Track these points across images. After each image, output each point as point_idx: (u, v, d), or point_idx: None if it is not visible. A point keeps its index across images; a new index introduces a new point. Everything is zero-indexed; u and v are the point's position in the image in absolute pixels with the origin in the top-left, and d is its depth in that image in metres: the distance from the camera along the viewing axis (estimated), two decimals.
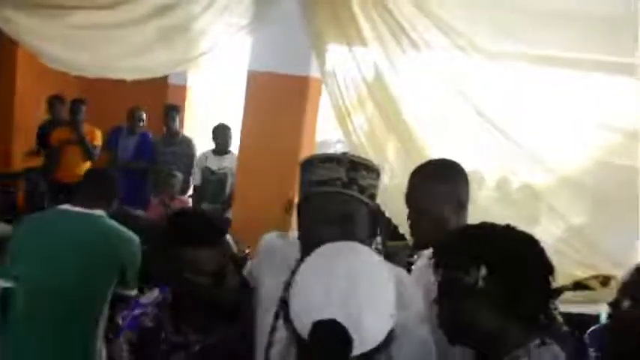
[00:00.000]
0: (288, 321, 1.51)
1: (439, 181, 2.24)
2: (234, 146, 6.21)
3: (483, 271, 1.58)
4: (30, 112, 7.60)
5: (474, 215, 2.29)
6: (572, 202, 3.84)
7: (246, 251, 3.63)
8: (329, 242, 1.69)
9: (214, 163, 6.48)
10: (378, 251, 1.88)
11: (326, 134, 5.96)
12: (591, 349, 3.16)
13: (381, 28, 4.08)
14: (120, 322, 2.12)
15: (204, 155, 6.61)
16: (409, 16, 3.99)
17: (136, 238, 3.11)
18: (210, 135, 6.62)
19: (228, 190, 6.36)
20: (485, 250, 1.61)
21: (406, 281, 1.82)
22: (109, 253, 3.02)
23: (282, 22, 4.55)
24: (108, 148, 7.00)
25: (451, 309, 1.64)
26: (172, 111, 6.95)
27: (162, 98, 7.65)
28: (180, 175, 6.23)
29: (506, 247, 1.62)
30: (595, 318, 3.81)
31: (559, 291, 1.74)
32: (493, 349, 1.62)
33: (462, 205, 2.24)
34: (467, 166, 2.43)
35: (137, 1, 4.94)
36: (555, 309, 2.27)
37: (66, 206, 3.13)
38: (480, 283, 1.58)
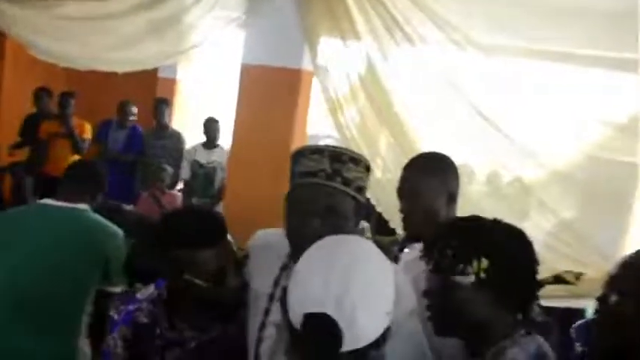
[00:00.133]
0: (285, 311, 1.50)
1: (430, 174, 2.27)
2: (225, 140, 6.20)
3: (485, 262, 1.61)
4: (17, 105, 7.53)
5: (465, 209, 2.31)
6: (563, 196, 3.86)
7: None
8: (312, 234, 1.70)
9: (203, 157, 6.47)
10: None
11: (317, 128, 5.94)
12: (577, 344, 3.18)
13: (375, 21, 4.07)
14: (115, 316, 2.08)
15: (194, 149, 6.61)
16: (403, 10, 3.99)
17: (120, 232, 3.04)
18: (200, 129, 6.61)
19: (217, 184, 6.35)
20: (483, 242, 1.64)
21: (400, 276, 1.82)
22: (92, 248, 2.94)
23: (275, 16, 4.54)
24: (97, 141, 6.97)
25: (442, 300, 1.66)
26: (162, 104, 6.93)
27: (152, 92, 7.63)
28: (170, 169, 6.21)
29: (500, 240, 1.66)
30: (581, 312, 3.83)
31: (541, 284, 1.76)
32: (481, 339, 1.65)
33: (452, 197, 2.28)
34: (458, 160, 2.46)
35: None
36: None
37: (48, 200, 3.06)
38: (482, 275, 1.61)
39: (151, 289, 2.08)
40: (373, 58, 4.14)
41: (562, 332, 2.99)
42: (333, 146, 1.88)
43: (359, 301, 1.42)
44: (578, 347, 3.08)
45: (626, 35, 3.54)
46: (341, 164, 1.77)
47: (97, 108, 7.37)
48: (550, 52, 3.89)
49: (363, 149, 4.11)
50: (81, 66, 5.44)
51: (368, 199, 1.94)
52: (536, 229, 3.58)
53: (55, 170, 6.34)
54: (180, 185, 6.70)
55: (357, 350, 1.43)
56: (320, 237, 1.65)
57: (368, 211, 2.86)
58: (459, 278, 1.62)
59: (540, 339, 1.67)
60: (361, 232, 4.08)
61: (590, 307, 3.81)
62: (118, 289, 3.10)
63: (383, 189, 3.98)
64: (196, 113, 7.55)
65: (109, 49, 5.23)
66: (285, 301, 1.50)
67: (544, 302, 2.68)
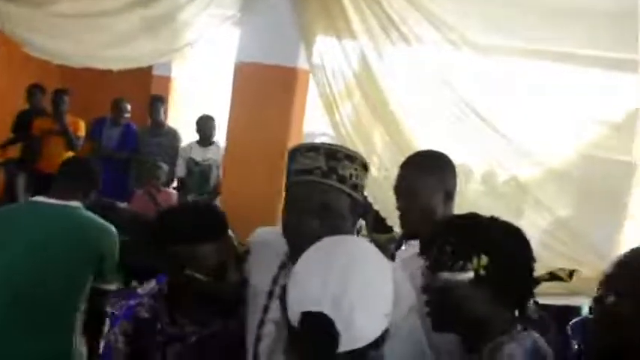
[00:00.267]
0: (284, 309, 1.50)
1: (427, 172, 2.28)
2: (221, 137, 6.19)
3: (484, 260, 1.63)
4: (11, 102, 7.48)
5: (461, 208, 2.33)
6: (558, 194, 3.87)
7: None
8: (308, 232, 1.70)
9: (198, 154, 6.45)
10: None
11: (312, 126, 5.95)
12: (574, 342, 3.19)
13: (371, 20, 4.08)
14: (115, 311, 2.08)
15: (189, 146, 6.59)
16: (399, 9, 3.99)
17: (114, 229, 3.03)
18: (194, 126, 6.59)
19: (212, 181, 6.34)
20: (482, 239, 1.66)
21: (398, 275, 1.81)
22: (86, 245, 2.93)
23: (270, 13, 4.54)
24: (91, 139, 6.95)
25: (440, 297, 1.67)
26: (157, 102, 6.92)
27: (147, 89, 7.62)
28: (165, 167, 6.19)
29: (499, 237, 1.68)
30: (577, 310, 3.84)
31: (537, 281, 1.78)
32: (479, 335, 1.67)
33: (449, 195, 2.29)
34: (454, 159, 2.46)
35: None
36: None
37: (40, 198, 3.05)
38: (482, 272, 1.63)
39: (152, 284, 2.08)
40: (369, 57, 4.14)
41: (558, 330, 3.00)
42: (329, 144, 1.87)
43: (357, 302, 1.42)
44: (574, 345, 3.09)
45: (622, 35, 3.55)
46: (336, 162, 1.76)
47: (91, 105, 7.35)
48: (545, 52, 3.90)
49: (358, 147, 4.12)
50: (75, 63, 5.43)
51: (365, 197, 1.92)
52: (532, 227, 3.58)
53: (48, 167, 6.32)
54: (175, 183, 6.69)
55: (354, 350, 1.42)
56: (316, 235, 1.65)
57: (365, 209, 2.85)
58: (457, 275, 1.64)
59: (536, 334, 1.69)
60: (358, 231, 4.08)
61: (585, 304, 3.83)
62: (112, 287, 3.09)
63: (379, 187, 3.99)
64: (191, 111, 7.53)
65: (104, 47, 5.21)
66: (285, 300, 1.50)
67: (540, 300, 2.70)
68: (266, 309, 1.86)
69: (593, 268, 3.52)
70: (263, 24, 4.62)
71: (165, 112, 7.21)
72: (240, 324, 1.99)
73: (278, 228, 1.88)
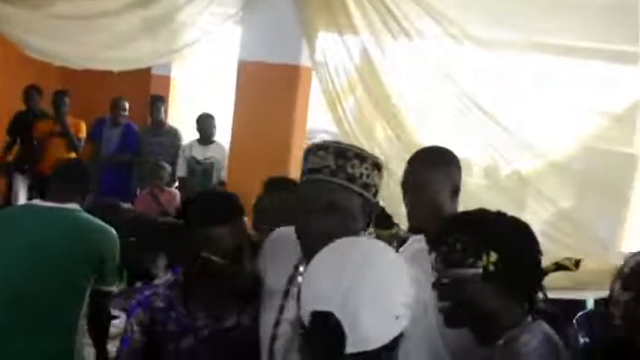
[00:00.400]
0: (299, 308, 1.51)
1: (434, 168, 2.29)
2: (224, 136, 6.19)
3: (494, 256, 1.66)
4: (8, 103, 7.43)
5: (463, 202, 2.36)
6: (560, 187, 3.88)
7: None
8: (316, 230, 1.71)
9: (199, 153, 6.45)
10: None
11: (313, 122, 5.95)
12: (580, 335, 3.20)
13: (372, 15, 4.09)
14: (115, 313, 2.10)
15: (189, 145, 6.58)
16: (400, 4, 4.01)
17: (113, 231, 3.02)
18: (194, 126, 6.58)
19: (215, 179, 6.34)
20: (491, 236, 1.68)
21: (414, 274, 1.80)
22: (85, 247, 2.91)
23: (272, 11, 4.55)
24: (92, 140, 6.93)
25: (452, 293, 1.69)
26: (158, 101, 6.91)
27: (146, 89, 7.60)
28: (168, 167, 6.19)
29: (507, 233, 1.71)
30: (582, 304, 3.85)
31: (545, 272, 1.80)
32: (491, 329, 1.70)
33: (456, 191, 2.29)
34: (456, 153, 2.46)
35: None
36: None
37: (37, 201, 3.05)
38: (491, 267, 1.65)
39: (168, 276, 2.09)
40: (371, 52, 4.15)
41: (564, 323, 3.00)
42: (339, 142, 1.86)
43: (364, 302, 1.41)
44: (581, 338, 3.11)
45: (623, 27, 3.56)
46: (345, 160, 1.75)
47: (90, 106, 7.33)
48: (546, 45, 3.91)
49: (361, 142, 4.13)
50: (76, 65, 5.44)
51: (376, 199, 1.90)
52: (534, 219, 3.59)
53: (50, 170, 6.30)
54: (176, 183, 6.68)
55: (365, 352, 1.42)
56: (324, 234, 1.66)
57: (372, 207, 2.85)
58: (468, 271, 1.67)
59: (544, 324, 1.72)
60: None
61: (590, 298, 3.84)
62: (113, 289, 3.09)
63: (384, 183, 3.99)
64: (191, 110, 7.52)
65: (104, 48, 5.22)
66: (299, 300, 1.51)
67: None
68: (282, 309, 1.87)
69: (596, 259, 3.53)
70: (265, 22, 4.64)
71: (166, 112, 7.21)
72: (253, 322, 2.00)
73: (290, 228, 1.88)
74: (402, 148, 3.94)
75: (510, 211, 1.79)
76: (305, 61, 4.59)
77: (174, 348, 2.01)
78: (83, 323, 3.04)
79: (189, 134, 6.91)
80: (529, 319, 1.70)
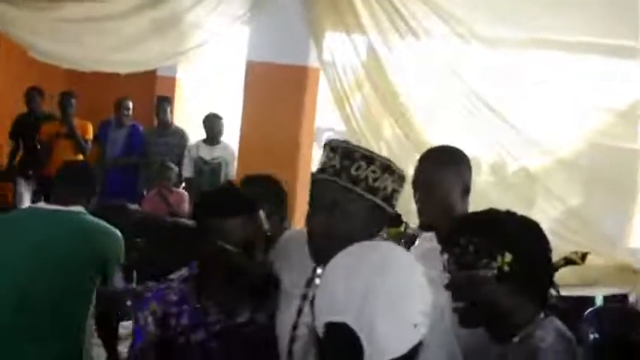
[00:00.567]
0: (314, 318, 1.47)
1: (444, 166, 2.30)
2: (230, 136, 6.21)
3: (508, 257, 1.67)
4: (13, 106, 7.42)
5: (471, 199, 2.37)
6: (567, 183, 3.89)
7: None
8: (317, 230, 1.72)
9: (207, 153, 6.45)
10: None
11: (319, 121, 5.96)
12: (590, 331, 3.21)
13: (380, 15, 4.11)
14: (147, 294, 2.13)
15: (196, 145, 6.58)
16: (408, 4, 4.03)
17: (118, 233, 3.03)
18: (199, 127, 6.59)
19: (223, 179, 6.34)
20: (504, 237, 1.70)
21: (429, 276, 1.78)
22: (90, 249, 2.92)
23: (280, 12, 4.56)
24: (98, 142, 6.93)
25: (467, 295, 1.71)
26: (164, 102, 6.92)
27: (151, 90, 7.62)
28: (175, 167, 6.20)
29: (520, 234, 1.72)
30: (591, 300, 3.86)
31: (555, 268, 1.82)
32: (506, 328, 1.71)
33: (466, 190, 2.30)
34: (464, 151, 2.48)
35: None
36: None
37: (40, 204, 3.05)
38: (506, 268, 1.67)
39: (182, 271, 2.12)
40: (378, 52, 4.17)
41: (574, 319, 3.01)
42: (348, 143, 1.84)
43: (380, 310, 1.36)
44: (590, 334, 3.12)
45: (627, 23, 3.57)
46: (350, 161, 1.73)
47: (96, 107, 7.34)
48: (553, 42, 3.93)
49: (369, 140, 4.16)
50: (83, 68, 5.45)
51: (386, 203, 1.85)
52: (543, 217, 3.60)
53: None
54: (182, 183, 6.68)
55: None
56: (324, 233, 1.68)
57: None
58: (483, 272, 1.68)
59: (556, 320, 1.74)
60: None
61: (599, 295, 3.84)
62: (119, 290, 3.10)
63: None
64: (196, 111, 7.53)
65: (111, 51, 5.22)
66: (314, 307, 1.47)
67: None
68: (300, 312, 1.87)
69: (605, 256, 3.54)
70: (273, 23, 4.65)
71: (172, 113, 7.22)
72: (268, 319, 2.01)
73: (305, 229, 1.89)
74: (410, 146, 3.97)
75: (519, 209, 1.81)
76: (313, 61, 4.61)
77: (185, 341, 2.02)
78: (91, 324, 3.07)
79: (193, 135, 6.92)
80: (542, 315, 1.72)
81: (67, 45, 5.23)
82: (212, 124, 6.47)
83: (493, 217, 1.76)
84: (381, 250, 1.52)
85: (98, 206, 3.14)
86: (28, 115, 7.09)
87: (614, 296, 3.88)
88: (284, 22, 4.57)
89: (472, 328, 1.76)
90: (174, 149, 6.69)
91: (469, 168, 2.37)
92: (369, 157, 1.75)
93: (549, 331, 1.68)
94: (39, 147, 6.86)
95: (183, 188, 6.54)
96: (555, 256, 1.84)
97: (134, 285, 4.12)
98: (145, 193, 6.46)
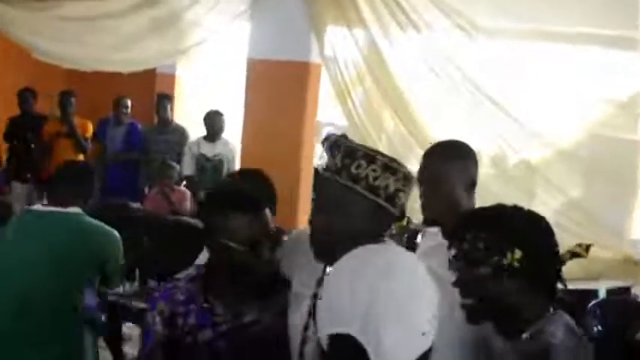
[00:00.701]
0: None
1: (450, 161, 2.28)
2: (231, 133, 6.19)
3: (518, 253, 1.66)
4: (14, 105, 7.40)
5: None
6: (568, 174, 3.89)
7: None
8: (314, 227, 1.71)
9: (208, 150, 6.43)
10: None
11: (320, 116, 5.96)
12: (594, 323, 3.21)
13: (381, 9, 4.12)
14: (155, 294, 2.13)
15: (196, 142, 6.54)
16: None
17: (116, 234, 3.01)
18: (199, 124, 6.57)
19: (224, 176, 6.32)
20: (513, 233, 1.69)
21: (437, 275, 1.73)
22: (89, 250, 2.91)
23: (280, 8, 4.55)
24: (96, 140, 6.89)
25: (476, 291, 1.70)
26: (164, 99, 6.88)
27: (151, 88, 7.59)
28: (176, 166, 6.18)
29: (528, 229, 1.71)
30: (594, 293, 3.86)
31: (562, 262, 1.81)
32: (517, 323, 1.70)
33: (472, 184, 2.28)
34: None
35: None
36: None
37: (39, 207, 3.02)
38: (516, 264, 1.66)
39: (190, 270, 2.12)
40: (380, 45, 4.17)
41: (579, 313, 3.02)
42: (350, 141, 1.83)
43: (386, 319, 1.33)
44: (594, 327, 3.12)
45: (628, 14, 3.56)
46: (351, 160, 1.70)
47: (95, 106, 7.32)
48: (553, 33, 3.93)
49: (371, 133, 4.17)
50: (84, 67, 5.44)
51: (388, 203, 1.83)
52: (545, 209, 3.60)
53: None
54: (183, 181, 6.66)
55: None
56: (324, 231, 1.68)
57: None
58: (492, 269, 1.67)
59: (565, 315, 1.74)
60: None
61: (602, 288, 3.84)
62: (118, 290, 3.09)
63: None
64: (196, 108, 7.52)
65: (111, 50, 5.22)
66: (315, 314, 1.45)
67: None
68: (311, 313, 1.83)
69: (609, 248, 3.55)
70: (274, 19, 4.64)
71: (172, 110, 7.20)
72: (276, 319, 2.00)
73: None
74: (412, 139, 3.98)
75: (520, 201, 1.82)
76: (314, 57, 4.61)
77: (193, 341, 2.01)
78: None
79: (193, 132, 6.91)
80: (551, 310, 1.71)
81: (66, 45, 5.23)
82: (213, 121, 6.44)
83: (500, 213, 1.75)
84: (387, 253, 1.51)
85: (100, 205, 3.12)
86: (22, 116, 7.02)
87: (617, 289, 3.88)
88: (285, 18, 4.56)
89: (480, 323, 1.76)
90: (175, 147, 6.67)
91: (475, 163, 2.32)
92: (370, 156, 1.71)
93: (559, 326, 1.67)
94: (33, 147, 6.81)
95: (183, 186, 6.53)
96: (561, 248, 1.83)
97: (136, 284, 4.10)
98: (145, 190, 6.45)
